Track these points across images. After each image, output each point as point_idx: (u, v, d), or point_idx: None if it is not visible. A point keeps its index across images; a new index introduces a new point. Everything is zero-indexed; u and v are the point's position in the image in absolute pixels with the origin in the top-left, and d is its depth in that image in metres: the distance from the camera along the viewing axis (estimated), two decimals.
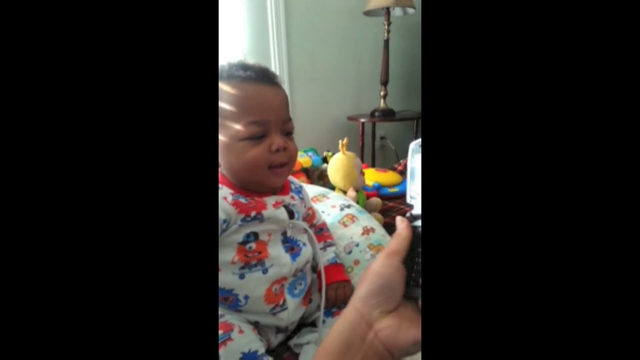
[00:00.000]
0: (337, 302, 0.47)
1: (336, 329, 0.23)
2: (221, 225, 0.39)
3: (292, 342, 0.43)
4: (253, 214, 0.41)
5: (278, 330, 0.43)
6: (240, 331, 0.38)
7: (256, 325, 0.41)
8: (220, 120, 0.40)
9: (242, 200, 0.41)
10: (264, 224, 0.41)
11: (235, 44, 1.44)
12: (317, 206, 0.65)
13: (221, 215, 0.39)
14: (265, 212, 0.41)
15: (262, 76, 0.42)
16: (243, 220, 0.40)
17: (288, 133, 0.43)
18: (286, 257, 0.42)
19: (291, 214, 0.45)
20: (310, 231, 0.47)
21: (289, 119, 0.43)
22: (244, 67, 0.41)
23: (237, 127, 0.39)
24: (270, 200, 0.43)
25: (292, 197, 0.47)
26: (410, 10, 1.48)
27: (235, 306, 0.40)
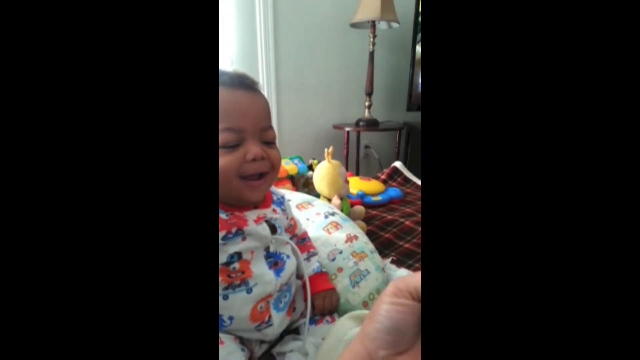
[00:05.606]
0: (324, 311, 0.47)
1: None
2: None
3: (275, 350, 0.43)
4: (234, 230, 0.39)
5: (262, 341, 0.43)
6: (221, 342, 0.37)
7: (240, 337, 0.41)
8: None
9: (223, 215, 0.39)
10: (246, 242, 0.40)
11: (223, 53, 1.44)
12: (302, 213, 0.66)
13: None
14: (246, 229, 0.40)
15: (239, 82, 0.39)
16: (224, 238, 0.39)
17: (269, 142, 0.41)
18: (270, 275, 0.41)
19: (273, 229, 0.43)
20: (294, 245, 0.46)
21: (269, 127, 0.41)
22: (219, 73, 0.38)
23: None
24: (251, 215, 0.41)
25: (274, 210, 0.45)
26: (395, 25, 1.53)
27: (219, 327, 0.39)
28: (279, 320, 0.42)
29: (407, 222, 0.80)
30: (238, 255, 0.40)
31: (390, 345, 0.21)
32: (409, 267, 0.62)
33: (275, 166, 0.42)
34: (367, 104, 1.58)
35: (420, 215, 0.85)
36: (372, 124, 1.57)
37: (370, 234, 0.73)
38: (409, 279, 0.22)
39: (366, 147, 1.87)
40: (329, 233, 0.60)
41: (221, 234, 0.39)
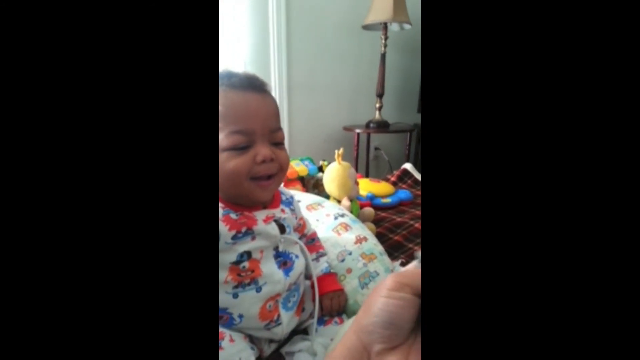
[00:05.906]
0: (332, 312, 0.48)
1: (337, 354, 0.22)
2: None
3: (284, 350, 0.44)
4: (244, 229, 0.40)
5: (271, 340, 0.43)
6: (231, 340, 0.38)
7: (249, 335, 0.42)
8: None
9: (233, 215, 0.40)
10: (255, 241, 0.41)
11: (237, 55, 1.47)
12: (312, 214, 0.66)
13: None
14: (255, 228, 0.41)
15: (248, 84, 0.40)
16: (234, 237, 0.39)
17: (278, 143, 0.41)
18: (279, 274, 0.42)
19: (282, 229, 0.44)
20: (302, 244, 0.47)
21: (278, 129, 0.41)
22: (229, 75, 0.39)
23: (220, 137, 0.37)
24: (260, 215, 0.42)
25: (283, 210, 0.46)
26: (407, 26, 1.52)
27: (229, 324, 0.40)
28: (287, 319, 0.43)
29: (416, 225, 0.80)
30: (248, 254, 0.40)
31: (386, 340, 0.21)
32: None
33: (283, 167, 0.42)
34: (377, 105, 1.58)
35: None
36: (382, 126, 1.57)
37: (379, 236, 0.73)
38: (409, 273, 0.21)
39: (376, 148, 1.86)
40: (339, 234, 0.60)
41: (231, 233, 0.39)
